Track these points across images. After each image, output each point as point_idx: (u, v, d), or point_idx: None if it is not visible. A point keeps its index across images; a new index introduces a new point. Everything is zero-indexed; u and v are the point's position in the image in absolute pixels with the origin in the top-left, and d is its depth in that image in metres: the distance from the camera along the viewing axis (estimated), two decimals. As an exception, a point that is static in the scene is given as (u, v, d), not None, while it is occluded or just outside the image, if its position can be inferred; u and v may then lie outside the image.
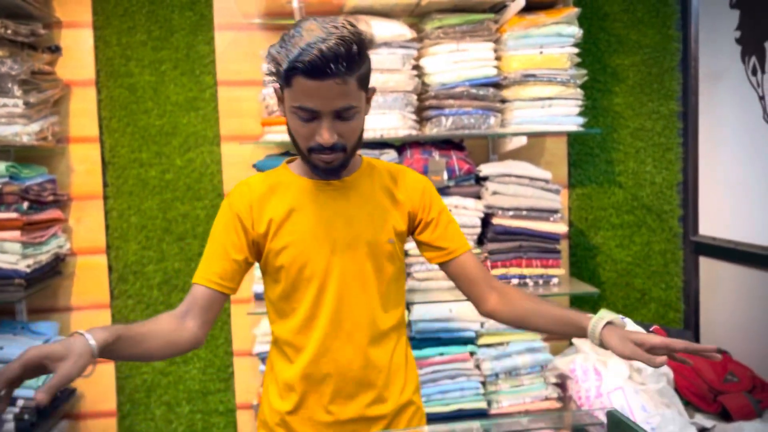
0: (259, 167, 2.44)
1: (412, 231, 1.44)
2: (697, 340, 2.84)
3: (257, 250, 1.36)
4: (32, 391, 2.27)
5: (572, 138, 2.82)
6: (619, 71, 2.83)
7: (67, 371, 0.99)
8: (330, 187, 1.35)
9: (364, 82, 1.25)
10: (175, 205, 2.68)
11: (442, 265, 1.45)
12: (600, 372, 2.45)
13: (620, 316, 1.26)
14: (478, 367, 2.50)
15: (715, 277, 2.78)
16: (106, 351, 1.10)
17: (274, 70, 1.23)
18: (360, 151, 1.58)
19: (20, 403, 2.26)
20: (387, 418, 1.42)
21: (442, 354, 2.46)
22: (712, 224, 2.79)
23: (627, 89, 2.84)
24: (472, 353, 2.50)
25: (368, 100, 1.30)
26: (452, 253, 1.43)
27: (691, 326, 2.87)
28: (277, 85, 1.28)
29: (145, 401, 2.72)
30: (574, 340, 2.67)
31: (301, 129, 1.24)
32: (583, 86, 2.62)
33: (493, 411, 2.47)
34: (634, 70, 2.84)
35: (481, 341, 2.50)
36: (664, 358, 1.11)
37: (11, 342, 2.33)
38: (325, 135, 1.21)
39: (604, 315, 1.23)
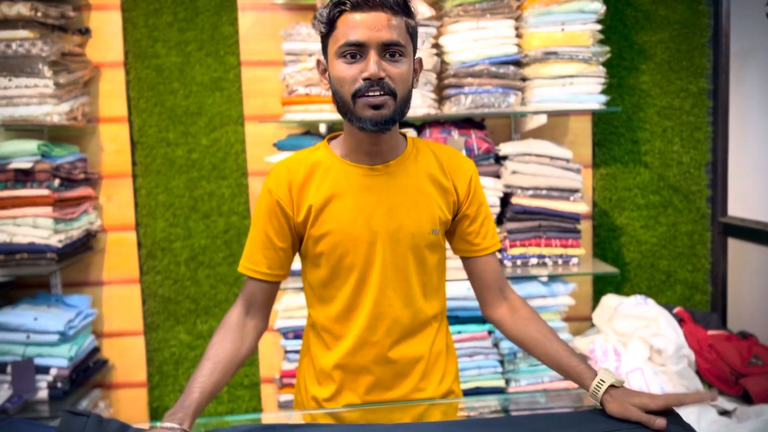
0: (280, 146, 2.48)
1: (451, 219, 1.38)
2: (723, 323, 2.79)
3: (299, 236, 1.33)
4: (65, 361, 2.38)
5: (597, 117, 2.78)
6: (647, 48, 2.77)
7: None
8: (373, 172, 1.29)
9: (411, 31, 1.23)
10: (201, 184, 2.74)
11: (464, 259, 1.40)
12: (619, 353, 2.43)
13: (619, 376, 1.21)
14: (496, 345, 2.51)
15: (744, 259, 2.72)
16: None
17: (320, 25, 1.21)
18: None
19: (53, 372, 2.37)
20: (423, 406, 1.39)
21: (460, 332, 2.48)
22: (741, 205, 2.73)
23: (654, 67, 2.78)
24: (490, 332, 2.51)
25: (416, 71, 1.28)
26: (481, 251, 1.38)
27: (717, 309, 2.82)
28: (321, 57, 1.27)
29: (174, 373, 2.81)
30: (595, 320, 2.66)
31: (347, 72, 1.19)
32: (608, 64, 2.58)
33: (511, 389, 2.48)
34: (662, 47, 2.77)
35: (500, 320, 2.51)
36: (663, 422, 1.06)
37: (46, 313, 2.43)
38: (373, 67, 1.16)
39: (606, 378, 1.15)
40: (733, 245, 2.77)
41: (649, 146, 2.81)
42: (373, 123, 1.20)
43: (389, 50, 1.18)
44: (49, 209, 2.33)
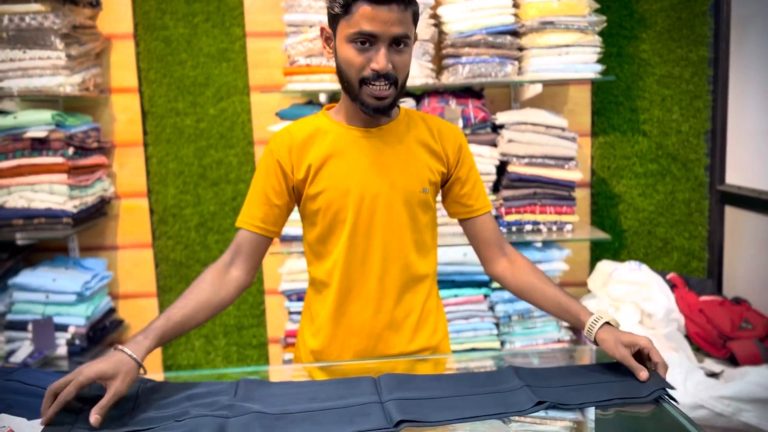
0: (283, 116, 2.56)
1: (442, 183, 1.47)
2: (719, 289, 2.85)
3: (297, 195, 1.41)
4: (82, 320, 2.52)
5: (596, 86, 2.81)
6: (647, 17, 2.78)
7: (117, 390, 1.09)
8: (368, 134, 1.38)
9: (415, 18, 1.31)
10: (210, 153, 2.84)
11: (462, 221, 1.49)
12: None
13: (613, 317, 1.29)
14: (491, 308, 2.60)
15: (740, 227, 2.76)
16: (153, 350, 1.21)
17: (335, 5, 1.28)
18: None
19: (71, 329, 2.51)
20: (409, 362, 1.45)
21: (456, 296, 2.57)
22: (739, 173, 2.76)
23: (654, 35, 2.79)
24: (485, 295, 2.60)
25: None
26: (475, 211, 1.46)
27: (714, 275, 2.87)
28: (325, 25, 1.35)
29: (186, 333, 2.94)
30: (590, 286, 2.73)
31: (356, 58, 1.27)
32: (608, 33, 2.61)
33: (505, 352, 2.57)
34: (663, 15, 2.78)
35: (495, 284, 2.59)
36: (646, 374, 1.16)
37: (64, 275, 2.57)
38: (382, 60, 1.25)
39: (602, 316, 1.25)
40: (731, 213, 2.81)
41: (648, 115, 2.84)
42: (374, 110, 1.32)
43: (396, 41, 1.26)
44: (64, 176, 2.45)
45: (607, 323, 1.24)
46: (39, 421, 1.08)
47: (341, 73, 1.33)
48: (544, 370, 1.27)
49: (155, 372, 2.91)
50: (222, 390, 1.20)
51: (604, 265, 2.71)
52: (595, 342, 1.26)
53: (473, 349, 2.55)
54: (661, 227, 2.90)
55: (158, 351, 2.93)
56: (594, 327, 1.25)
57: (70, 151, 2.47)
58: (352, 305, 1.43)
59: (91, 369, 1.09)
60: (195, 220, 2.88)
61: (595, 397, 1.15)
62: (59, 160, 2.44)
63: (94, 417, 1.05)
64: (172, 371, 2.96)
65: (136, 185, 2.84)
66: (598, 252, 2.91)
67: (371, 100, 1.30)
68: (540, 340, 2.59)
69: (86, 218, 2.61)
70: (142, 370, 1.16)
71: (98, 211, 2.72)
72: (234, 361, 2.97)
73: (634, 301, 2.51)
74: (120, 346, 1.15)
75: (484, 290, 2.58)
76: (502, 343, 2.59)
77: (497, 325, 2.59)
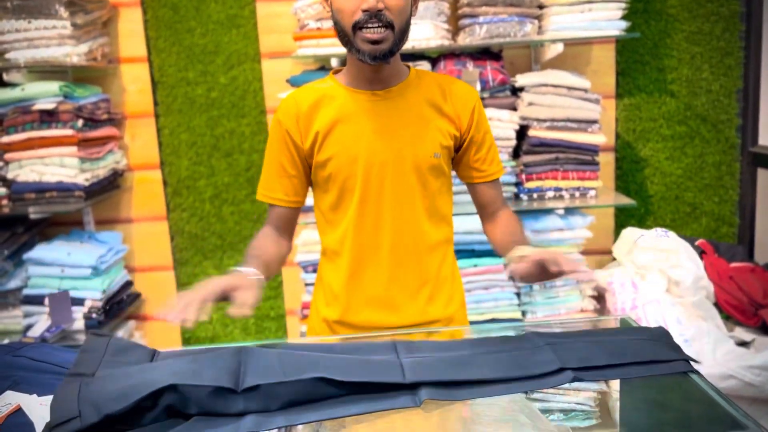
0: (294, 82, 2.48)
1: (456, 147, 1.42)
2: (750, 255, 2.74)
3: (309, 163, 1.40)
4: (99, 293, 2.51)
5: (621, 45, 2.68)
6: (675, -30, 2.64)
7: (249, 298, 1.15)
8: (376, 98, 1.34)
9: None
10: (222, 122, 2.78)
11: (470, 184, 1.47)
12: (637, 285, 2.42)
13: (527, 247, 1.31)
14: (512, 278, 2.52)
15: (773, 190, 2.64)
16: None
17: None
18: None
19: (88, 303, 2.50)
20: (425, 333, 1.42)
21: (476, 265, 2.50)
22: (772, 134, 2.63)
23: (683, -10, 2.65)
24: (506, 265, 2.52)
25: (414, 0, 1.32)
26: (488, 176, 1.44)
27: (745, 241, 2.76)
28: None
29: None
30: (615, 253, 2.64)
31: (346, 4, 1.24)
32: (632, -12, 2.47)
33: (527, 321, 2.50)
34: (692, -33, 2.63)
35: (516, 253, 2.51)
36: (520, 268, 1.24)
37: (79, 249, 2.55)
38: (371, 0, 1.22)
39: (515, 251, 1.33)
40: (763, 176, 2.68)
41: (676, 74, 2.71)
42: (371, 57, 1.26)
43: None
44: (74, 149, 2.41)
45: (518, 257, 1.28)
46: (48, 398, 1.05)
47: (337, 26, 1.30)
48: (565, 333, 1.22)
49: (173, 345, 2.90)
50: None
51: (630, 232, 2.61)
52: (511, 278, 1.33)
53: (493, 320, 2.49)
54: (689, 192, 2.79)
55: (176, 326, 2.91)
56: (511, 257, 1.31)
57: (80, 123, 2.43)
58: (365, 274, 1.40)
59: (219, 281, 1.17)
60: (209, 192, 2.84)
61: (618, 359, 1.08)
62: (69, 132, 2.40)
63: (247, 311, 1.13)
64: (190, 345, 2.95)
65: (149, 157, 2.80)
66: (623, 219, 2.81)
67: (366, 46, 1.25)
68: (562, 309, 2.52)
69: (99, 191, 2.58)
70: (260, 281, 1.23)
71: (111, 184, 2.69)
72: (252, 334, 2.95)
73: (661, 269, 2.42)
74: (235, 268, 1.23)
75: (504, 259, 2.50)
76: (524, 313, 2.53)
77: (518, 294, 2.53)
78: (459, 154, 1.43)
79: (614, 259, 2.71)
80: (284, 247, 1.45)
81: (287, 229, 1.45)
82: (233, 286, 1.18)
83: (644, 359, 1.09)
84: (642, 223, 2.81)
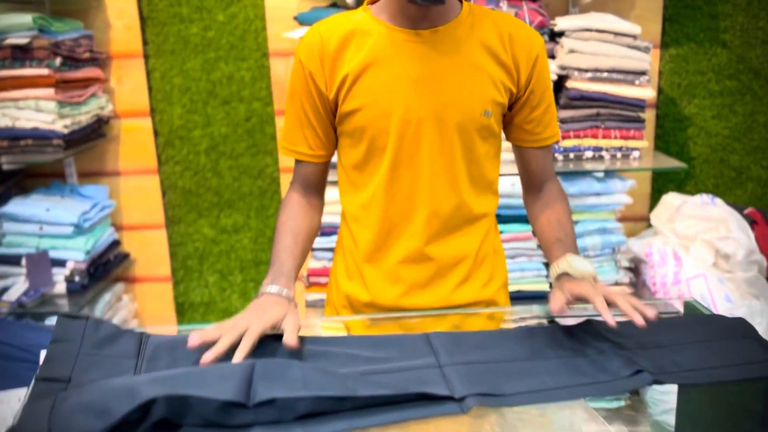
0: (302, 20, 2.19)
1: (510, 105, 1.19)
2: (798, 226, 2.50)
3: (334, 112, 1.18)
4: (82, 254, 2.26)
5: (671, -13, 2.38)
6: None
7: (294, 325, 0.96)
8: (418, 38, 1.11)
9: None
10: (219, 66, 2.49)
11: (517, 147, 1.24)
12: (680, 257, 2.19)
13: (582, 260, 1.06)
14: (540, 247, 2.28)
15: (831, 155, 2.39)
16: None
17: None
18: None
19: (70, 265, 2.25)
20: (458, 317, 1.24)
21: (501, 232, 2.23)
22: (834, 92, 2.36)
23: (745, -76, 2.34)
24: (534, 232, 2.28)
25: None
26: (542, 141, 1.21)
27: (794, 210, 2.52)
28: None
29: (198, 268, 2.69)
30: (654, 221, 2.39)
31: None
32: None
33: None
34: None
35: (547, 219, 2.27)
36: (560, 305, 0.98)
37: (59, 204, 2.29)
38: None
39: (561, 264, 1.06)
40: (820, 139, 2.43)
41: (730, 22, 2.41)
42: None
43: None
44: (51, 91, 2.12)
45: (565, 273, 1.05)
46: (13, 392, 0.82)
47: None
48: (625, 325, 1.02)
49: (166, 310, 2.67)
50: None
51: (671, 198, 2.36)
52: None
53: (519, 292, 2.26)
54: (735, 154, 2.53)
55: (168, 288, 2.69)
56: (552, 276, 1.08)
57: (58, 61, 2.13)
58: (394, 248, 1.19)
59: (260, 323, 0.94)
60: (205, 144, 2.56)
61: (698, 362, 0.94)
62: (45, 71, 2.11)
63: (293, 341, 0.92)
64: (184, 309, 2.72)
65: (137, 103, 2.51)
66: (661, 183, 2.56)
67: None
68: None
69: (81, 140, 2.30)
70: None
71: (95, 132, 2.40)
72: (251, 299, 2.71)
73: (707, 240, 2.19)
74: (265, 291, 1.03)
75: (534, 234, 2.26)
76: (551, 285, 2.29)
77: (546, 265, 2.29)
78: (512, 113, 1.19)
79: (650, 226, 2.47)
80: (316, 217, 1.25)
81: (317, 187, 1.25)
82: (277, 322, 0.98)
83: (733, 360, 0.94)
84: (681, 187, 2.56)
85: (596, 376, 0.90)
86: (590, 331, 1.01)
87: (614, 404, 0.97)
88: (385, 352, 0.96)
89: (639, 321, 0.92)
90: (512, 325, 1.33)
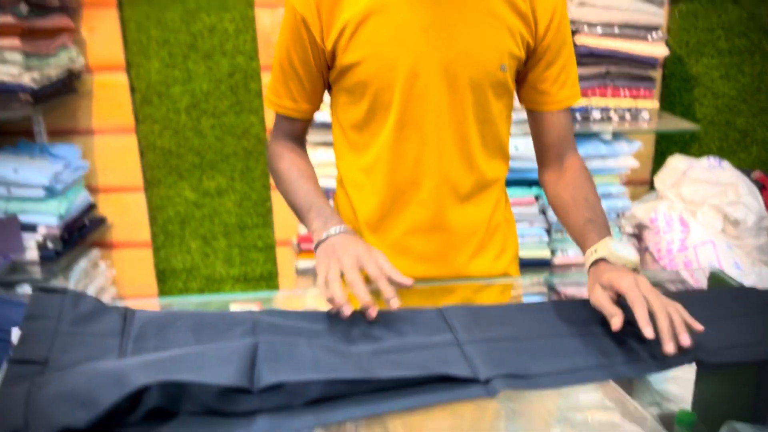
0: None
1: (525, 59, 1.09)
2: (802, 190, 2.44)
3: (329, 64, 1.07)
4: (55, 218, 2.10)
5: (683, -63, 2.25)
6: None
7: (382, 262, 0.91)
8: None
9: None
10: (200, 17, 2.31)
11: (531, 111, 1.12)
12: (687, 223, 2.11)
13: (624, 245, 0.93)
14: (543, 212, 2.19)
15: (840, 118, 2.31)
16: None
17: None
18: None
19: (42, 230, 2.10)
20: (470, 289, 1.16)
21: (503, 196, 2.16)
22: None
23: None
24: (537, 197, 2.18)
25: None
26: (557, 103, 1.08)
27: (798, 174, 2.46)
28: None
29: (180, 233, 2.55)
30: (658, 185, 2.31)
31: None
32: None
33: (557, 261, 2.20)
34: None
35: (550, 183, 2.17)
36: (618, 324, 0.83)
37: (28, 164, 2.12)
38: None
39: (599, 249, 0.93)
40: (828, 100, 2.35)
41: (743, -24, 2.30)
42: None
43: None
44: (16, 40, 1.93)
45: (602, 259, 0.92)
46: None
47: None
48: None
49: (146, 277, 2.54)
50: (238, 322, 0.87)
51: (677, 161, 2.27)
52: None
53: (520, 259, 2.16)
54: (741, 116, 2.44)
55: (148, 254, 2.54)
56: (587, 263, 0.95)
57: (23, 8, 1.94)
58: (400, 217, 1.11)
59: (352, 257, 0.90)
60: (185, 101, 2.39)
61: (735, 338, 0.88)
62: (10, 19, 1.91)
63: (395, 302, 0.86)
64: (165, 277, 2.58)
65: (112, 56, 2.32)
66: (665, 145, 2.47)
67: None
68: (597, 248, 2.20)
69: (51, 95, 2.12)
70: None
71: (66, 87, 2.22)
72: (236, 265, 2.59)
73: (715, 205, 2.11)
74: (329, 234, 0.96)
75: (535, 190, 2.16)
76: (553, 252, 2.21)
77: (548, 231, 2.20)
78: (526, 69, 1.08)
79: (653, 189, 2.39)
80: (307, 155, 1.17)
81: (300, 140, 1.17)
82: (363, 260, 0.91)
83: None
84: (685, 150, 2.47)
85: (629, 355, 0.83)
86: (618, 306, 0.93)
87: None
88: (397, 328, 0.88)
89: (669, 349, 0.79)
90: (521, 298, 1.27)
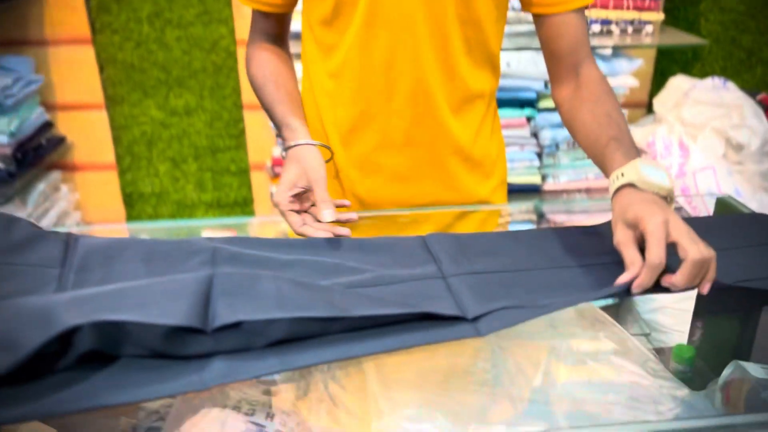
0: None
1: None
2: (806, 114, 2.31)
3: None
4: (5, 137, 1.93)
5: None
6: None
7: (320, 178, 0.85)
8: None
9: None
10: None
11: (537, 17, 0.97)
12: (687, 147, 1.98)
13: (656, 168, 0.76)
14: (535, 135, 2.05)
15: None
16: None
17: None
18: None
19: (-9, 151, 1.93)
20: (449, 216, 1.06)
21: (493, 117, 2.01)
22: None
23: None
24: (529, 118, 2.03)
25: None
26: (568, 2, 0.93)
27: (804, 97, 2.32)
28: None
29: (147, 155, 2.38)
30: (657, 107, 2.17)
31: None
32: None
33: (547, 188, 2.08)
34: None
35: (543, 104, 2.02)
36: (624, 280, 0.68)
37: (-27, 79, 1.93)
38: None
39: (626, 172, 0.75)
40: (842, 17, 2.19)
41: None
42: None
43: None
44: (-54, -68, 1.70)
45: (630, 184, 0.74)
46: None
47: None
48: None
49: (113, 202, 2.39)
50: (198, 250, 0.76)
51: (679, 81, 2.12)
52: None
53: (508, 184, 2.04)
54: (748, 33, 2.28)
55: (113, 177, 2.38)
56: (611, 189, 0.77)
57: None
58: (368, 130, 1.00)
59: (285, 186, 0.84)
60: (147, 9, 2.18)
61: (748, 270, 0.78)
62: None
63: (329, 212, 0.82)
64: (132, 201, 2.43)
65: (62, -45, 2.09)
66: (665, 64, 2.32)
67: None
68: (591, 174, 2.09)
69: (-7, -1, 1.90)
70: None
71: (11, -9, 2.00)
72: (209, 190, 2.44)
73: (718, 128, 1.98)
74: (290, 145, 0.88)
75: (527, 111, 2.01)
76: (544, 178, 2.09)
77: (539, 155, 2.07)
78: None
79: (651, 111, 2.25)
80: (287, 55, 1.04)
81: (280, 38, 1.04)
82: (303, 178, 0.85)
83: None
84: (686, 70, 2.31)
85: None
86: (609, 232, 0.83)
87: (601, 302, 0.84)
88: (374, 258, 0.78)
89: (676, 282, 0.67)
90: (508, 227, 1.16)
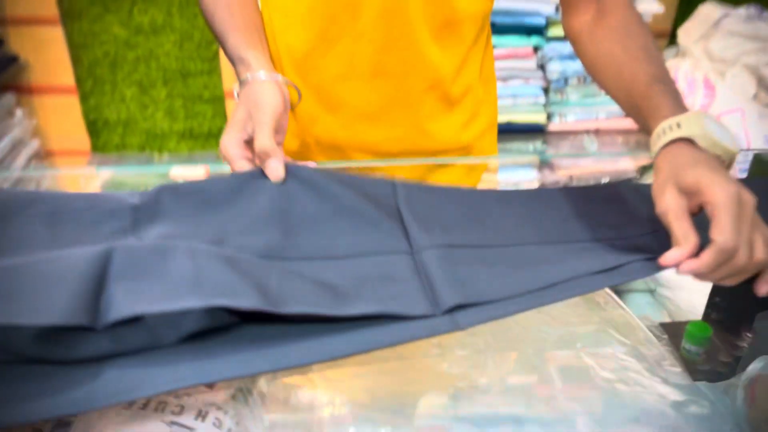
0: None
1: None
2: None
3: None
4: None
5: None
6: None
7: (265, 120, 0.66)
8: None
9: None
10: None
11: None
12: (713, 85, 1.76)
13: (720, 125, 0.57)
14: (542, 67, 1.82)
15: None
16: None
17: None
18: None
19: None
20: (423, 166, 0.91)
21: (495, 46, 1.77)
22: None
23: None
24: (536, 48, 1.80)
25: None
26: None
27: None
28: None
29: (110, 78, 2.15)
30: (682, 39, 1.92)
31: None
32: None
33: (553, 128, 1.87)
34: None
35: (553, 32, 1.78)
36: (671, 261, 0.52)
37: None
38: None
39: (684, 123, 0.56)
40: None
41: None
42: None
43: None
44: None
45: (686, 139, 0.56)
46: None
47: None
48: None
49: (76, 129, 2.19)
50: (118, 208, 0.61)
51: (709, 9, 1.87)
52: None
53: (509, 123, 1.83)
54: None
55: (74, 101, 2.16)
56: (659, 141, 0.58)
57: None
58: (329, 55, 0.82)
59: (234, 133, 0.65)
60: None
61: None
62: None
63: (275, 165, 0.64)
64: (97, 128, 2.22)
65: None
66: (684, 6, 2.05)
67: None
68: (601, 114, 1.87)
69: None
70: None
71: None
72: (180, 119, 2.23)
73: (750, 64, 1.75)
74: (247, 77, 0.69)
75: (535, 39, 1.77)
76: (549, 117, 1.87)
77: (546, 90, 1.84)
78: None
79: (674, 43, 2.01)
80: None
81: None
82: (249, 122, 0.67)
83: None
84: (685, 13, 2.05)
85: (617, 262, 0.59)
86: (629, 195, 0.70)
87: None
88: (331, 206, 0.63)
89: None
90: (498, 177, 1.00)
